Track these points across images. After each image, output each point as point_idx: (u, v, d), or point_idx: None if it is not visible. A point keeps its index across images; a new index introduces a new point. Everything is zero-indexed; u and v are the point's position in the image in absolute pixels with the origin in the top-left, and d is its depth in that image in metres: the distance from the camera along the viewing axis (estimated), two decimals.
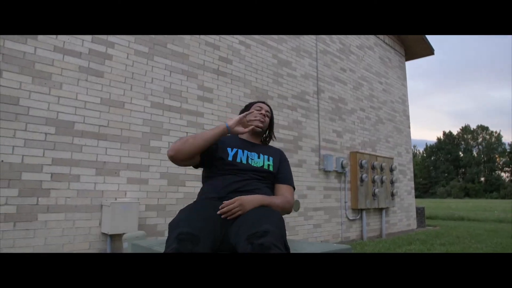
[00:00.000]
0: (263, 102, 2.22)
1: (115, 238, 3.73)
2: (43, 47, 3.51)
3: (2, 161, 3.20)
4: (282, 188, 1.98)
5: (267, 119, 2.15)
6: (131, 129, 4.01)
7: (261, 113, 2.11)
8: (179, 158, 1.82)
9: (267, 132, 2.24)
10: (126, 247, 3.42)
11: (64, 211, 3.48)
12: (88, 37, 3.81)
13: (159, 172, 4.19)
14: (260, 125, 2.07)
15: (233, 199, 1.68)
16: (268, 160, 2.00)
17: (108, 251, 3.67)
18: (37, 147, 3.39)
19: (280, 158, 2.08)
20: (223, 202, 1.69)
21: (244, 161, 1.92)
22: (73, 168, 3.58)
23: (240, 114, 2.12)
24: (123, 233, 3.61)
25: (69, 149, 3.57)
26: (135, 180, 3.99)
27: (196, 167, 1.97)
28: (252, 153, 1.98)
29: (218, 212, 1.65)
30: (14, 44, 3.35)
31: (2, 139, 3.22)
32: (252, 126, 2.00)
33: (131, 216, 3.71)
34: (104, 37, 3.93)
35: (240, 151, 1.96)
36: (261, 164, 1.95)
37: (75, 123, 3.63)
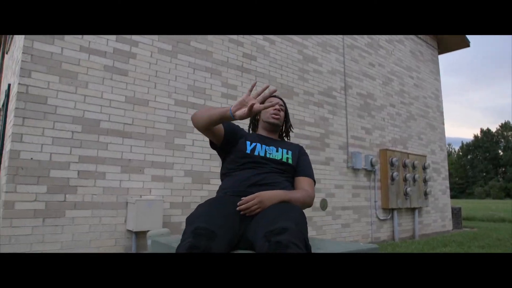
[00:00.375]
0: (274, 96, 2.14)
1: (140, 235, 3.75)
2: (69, 47, 3.58)
3: (31, 158, 3.28)
4: (303, 181, 1.92)
5: (282, 113, 2.09)
6: (155, 127, 4.04)
7: (275, 108, 2.05)
8: (194, 123, 1.80)
9: (283, 126, 2.20)
10: (150, 244, 3.43)
11: (91, 208, 3.54)
12: (112, 37, 3.86)
13: (183, 170, 4.19)
14: (276, 117, 2.04)
15: (253, 195, 1.63)
16: (287, 153, 1.95)
17: (133, 248, 3.70)
18: (65, 145, 3.46)
19: (299, 152, 2.03)
20: (242, 198, 1.64)
21: (262, 154, 1.88)
22: (99, 166, 3.63)
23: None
24: (148, 230, 3.63)
25: (95, 147, 3.63)
26: (160, 177, 4.01)
27: (216, 146, 1.95)
28: (270, 147, 1.94)
29: (237, 209, 1.61)
30: (42, 45, 3.44)
31: (32, 137, 3.30)
32: (247, 106, 1.58)
33: (156, 213, 3.73)
34: (128, 36, 3.97)
35: (258, 145, 1.92)
36: (279, 157, 1.90)
37: (101, 121, 3.69)
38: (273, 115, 2.02)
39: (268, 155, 1.89)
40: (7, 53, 5.74)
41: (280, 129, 2.16)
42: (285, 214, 1.48)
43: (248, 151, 1.88)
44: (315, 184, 1.97)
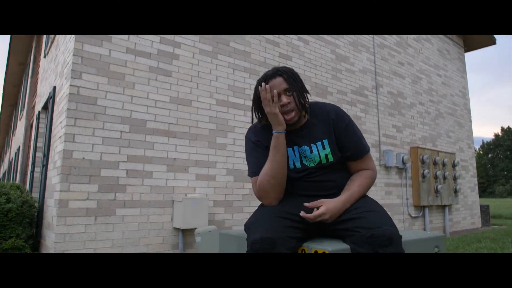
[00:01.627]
0: (270, 77, 1.59)
1: (186, 232, 3.82)
2: (116, 49, 3.67)
3: (83, 158, 3.38)
4: (359, 165, 1.68)
5: (291, 99, 1.58)
6: (198, 126, 4.10)
7: (282, 104, 1.56)
8: (271, 195, 1.61)
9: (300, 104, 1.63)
10: (199, 241, 3.49)
11: (139, 206, 3.62)
12: (156, 38, 3.94)
13: (225, 169, 4.25)
14: (290, 117, 1.58)
15: (320, 209, 1.47)
16: (323, 147, 1.63)
17: (180, 246, 3.77)
18: (114, 144, 3.55)
19: (335, 128, 1.64)
20: (305, 204, 1.53)
21: (299, 165, 1.65)
22: (146, 165, 3.71)
23: (253, 101, 1.67)
24: (195, 228, 3.69)
25: (142, 146, 3.71)
26: (203, 176, 4.07)
27: None
28: (302, 147, 1.65)
29: (301, 215, 1.49)
30: (92, 47, 3.53)
31: (83, 137, 3.40)
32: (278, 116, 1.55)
33: (202, 211, 3.79)
34: (171, 37, 4.04)
35: (290, 150, 1.65)
36: (318, 159, 1.63)
37: (147, 121, 3.77)
38: (285, 115, 1.58)
39: (305, 162, 1.64)
40: (45, 57, 5.89)
41: (300, 111, 1.63)
42: (374, 211, 1.48)
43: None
44: (369, 150, 1.72)
